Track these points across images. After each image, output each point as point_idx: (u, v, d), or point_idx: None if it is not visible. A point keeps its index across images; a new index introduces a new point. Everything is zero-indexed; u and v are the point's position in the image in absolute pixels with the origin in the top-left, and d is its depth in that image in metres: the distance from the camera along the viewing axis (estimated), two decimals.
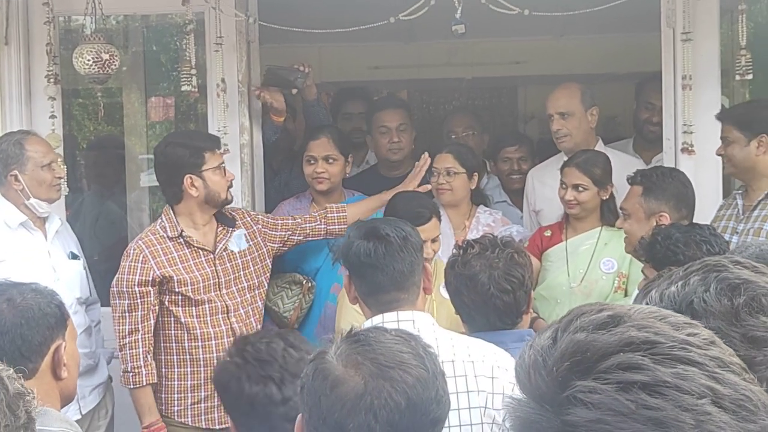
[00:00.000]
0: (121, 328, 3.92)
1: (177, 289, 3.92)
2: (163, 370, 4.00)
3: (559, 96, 4.62)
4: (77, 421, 3.56)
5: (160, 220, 4.07)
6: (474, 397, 2.45)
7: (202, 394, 3.99)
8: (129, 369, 3.90)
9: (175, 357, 4.00)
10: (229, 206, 4.17)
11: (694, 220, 3.81)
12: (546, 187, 4.70)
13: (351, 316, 3.82)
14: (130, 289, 3.89)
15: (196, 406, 4.01)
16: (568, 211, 4.30)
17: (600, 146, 4.62)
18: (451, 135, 5.48)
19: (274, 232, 4.21)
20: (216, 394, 3.81)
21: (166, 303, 3.95)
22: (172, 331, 3.99)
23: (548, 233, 4.41)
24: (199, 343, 3.96)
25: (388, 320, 2.49)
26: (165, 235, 3.99)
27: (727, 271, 1.54)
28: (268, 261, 4.19)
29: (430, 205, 3.99)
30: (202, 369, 3.97)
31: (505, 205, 5.09)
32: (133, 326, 3.90)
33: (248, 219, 4.20)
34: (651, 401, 0.97)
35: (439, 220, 4.02)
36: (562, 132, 4.54)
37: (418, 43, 6.22)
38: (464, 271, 2.87)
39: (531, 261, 3.15)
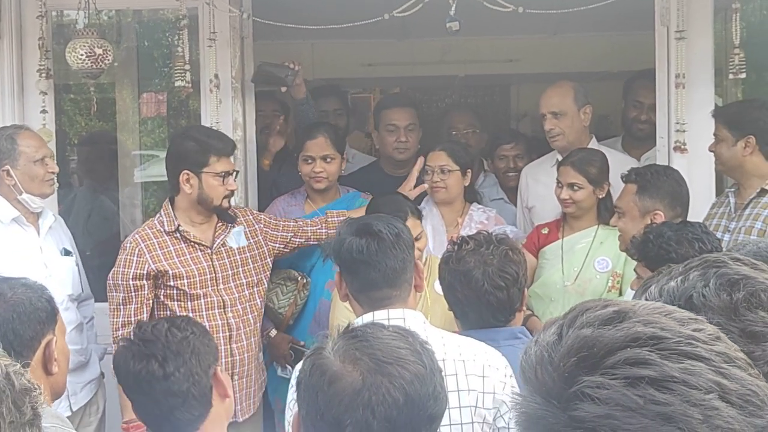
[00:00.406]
0: (115, 320, 3.94)
1: (172, 283, 3.92)
2: None
3: (552, 95, 4.61)
4: (68, 418, 3.56)
5: (158, 215, 4.08)
6: (464, 396, 2.45)
7: None
8: None
9: None
10: (235, 207, 4.20)
11: (690, 219, 3.82)
12: (539, 184, 4.71)
13: (343, 313, 3.82)
14: (124, 282, 3.90)
15: None
16: (564, 209, 4.30)
17: (594, 144, 4.62)
18: (452, 132, 5.48)
19: (275, 232, 4.20)
20: None
21: (162, 297, 3.96)
22: None
23: (545, 231, 4.41)
24: None
25: (379, 318, 2.48)
26: (162, 230, 3.99)
27: (726, 267, 1.55)
28: (268, 260, 4.18)
29: (407, 206, 3.97)
30: None
31: (502, 203, 5.09)
32: (126, 319, 3.91)
33: (250, 217, 4.20)
34: (659, 396, 0.97)
35: (419, 220, 4.01)
36: (555, 131, 4.55)
37: (411, 40, 6.21)
38: (458, 267, 2.88)
39: (525, 258, 3.15)
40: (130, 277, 3.90)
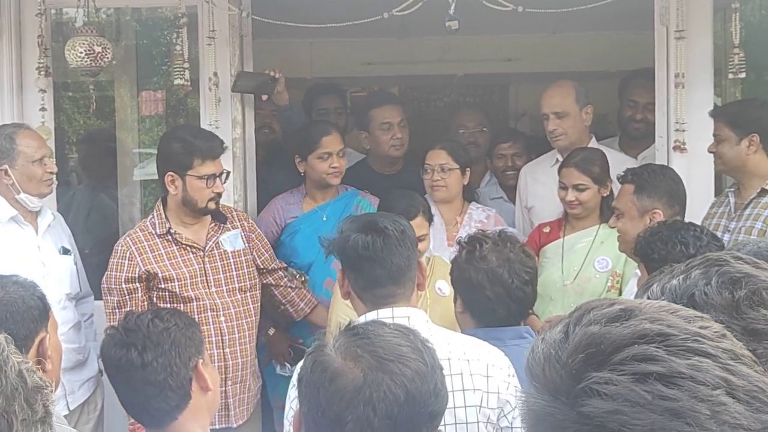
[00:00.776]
0: (111, 323, 3.91)
1: (163, 286, 3.92)
2: None
3: (554, 95, 4.61)
4: (65, 417, 3.56)
5: (150, 216, 4.08)
6: (469, 396, 2.45)
7: None
8: None
9: None
10: (234, 210, 4.19)
11: (686, 218, 3.82)
12: (538, 183, 4.71)
13: (343, 311, 3.82)
14: (117, 286, 3.92)
15: None
16: (570, 211, 4.30)
17: (594, 144, 4.63)
18: (459, 130, 5.47)
19: (259, 255, 4.19)
20: None
21: (155, 299, 3.96)
22: None
23: (547, 230, 4.41)
24: None
25: (383, 316, 2.46)
26: (153, 232, 3.98)
27: (728, 266, 1.55)
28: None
29: (420, 204, 3.97)
30: None
31: (502, 202, 5.10)
32: None
33: (246, 225, 4.18)
34: (667, 392, 0.97)
35: (429, 221, 4.00)
36: (558, 131, 4.54)
37: (410, 39, 6.21)
38: (484, 266, 2.89)
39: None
40: (123, 280, 3.91)
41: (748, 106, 4.17)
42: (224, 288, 4.00)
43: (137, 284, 3.91)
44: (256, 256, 4.16)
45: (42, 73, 4.43)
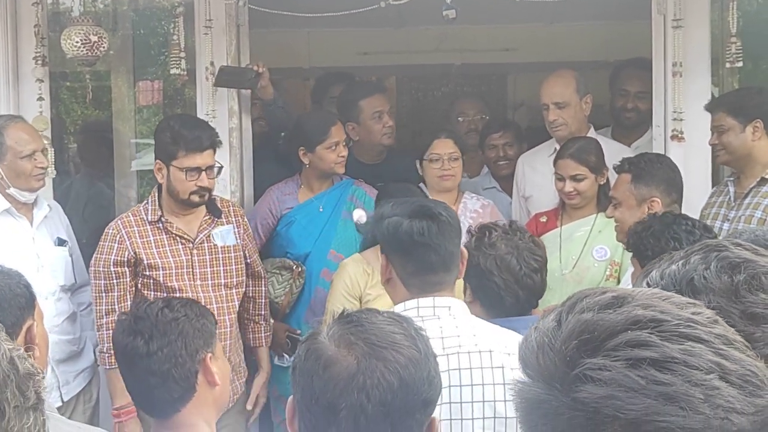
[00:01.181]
0: (98, 308, 3.96)
1: (147, 273, 3.92)
2: None
3: (554, 85, 4.60)
4: (58, 408, 3.56)
5: (145, 202, 4.08)
6: (510, 390, 2.43)
7: None
8: (104, 350, 3.93)
9: None
10: (232, 205, 4.17)
11: (684, 208, 3.83)
12: (536, 173, 4.71)
13: (340, 301, 3.83)
14: (106, 269, 3.91)
15: None
16: (568, 202, 4.30)
17: (592, 133, 4.63)
18: (459, 118, 5.47)
19: (249, 254, 4.17)
20: None
21: (139, 286, 3.96)
22: None
23: (544, 219, 4.42)
24: None
25: (424, 305, 2.46)
26: (145, 218, 3.98)
27: (727, 251, 1.57)
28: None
29: (417, 195, 3.98)
30: None
31: (495, 191, 5.10)
32: (109, 306, 3.93)
33: (242, 221, 4.16)
34: (661, 377, 0.99)
35: None
36: (558, 122, 4.54)
37: (407, 28, 6.20)
38: (492, 252, 2.88)
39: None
40: (111, 263, 3.91)
41: (747, 94, 4.19)
42: (209, 282, 3.98)
43: (125, 268, 3.91)
44: (246, 254, 4.14)
45: (38, 62, 4.43)
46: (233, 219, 4.12)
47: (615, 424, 0.99)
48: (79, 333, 4.19)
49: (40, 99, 4.45)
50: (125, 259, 3.91)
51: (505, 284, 2.86)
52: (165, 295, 3.90)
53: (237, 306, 4.06)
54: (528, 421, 1.08)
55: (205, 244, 4.01)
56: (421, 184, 4.49)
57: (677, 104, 4.29)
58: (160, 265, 3.92)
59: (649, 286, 1.58)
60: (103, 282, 3.93)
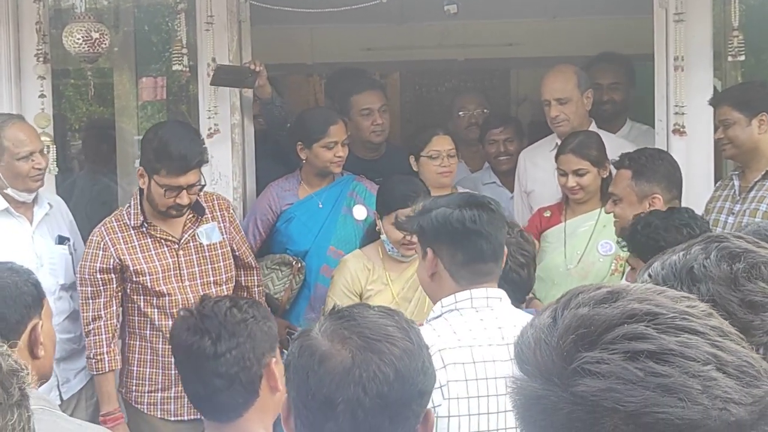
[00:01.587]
0: (85, 314, 3.95)
1: (135, 279, 3.91)
2: (127, 354, 4.03)
3: (555, 81, 4.59)
4: (59, 406, 3.56)
5: (127, 205, 4.05)
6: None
7: (160, 384, 4.00)
8: (92, 355, 3.95)
9: (137, 343, 4.02)
10: (216, 198, 4.14)
11: (686, 202, 3.83)
12: (538, 168, 4.71)
13: (340, 298, 3.83)
14: (91, 276, 3.91)
15: (152, 394, 4.02)
16: (572, 197, 4.30)
17: (593, 128, 4.63)
18: (459, 112, 5.47)
19: (237, 247, 4.15)
20: (174, 386, 3.87)
21: (128, 291, 3.96)
22: (135, 318, 4.00)
23: (548, 214, 4.41)
24: (159, 333, 3.96)
25: (477, 296, 2.46)
26: (128, 223, 3.95)
27: (728, 242, 1.58)
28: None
29: (420, 189, 3.98)
30: (160, 359, 3.97)
31: (494, 186, 5.11)
32: (96, 313, 3.92)
33: (227, 216, 4.12)
34: (658, 368, 1.00)
35: None
36: (560, 118, 4.53)
37: (410, 24, 6.19)
38: None
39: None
40: (97, 270, 3.90)
41: (751, 87, 4.21)
42: (198, 281, 3.97)
43: (112, 275, 3.90)
44: (234, 247, 4.12)
45: (40, 59, 4.43)
46: (218, 213, 4.08)
47: (614, 416, 0.99)
48: (80, 331, 4.18)
49: (42, 96, 4.45)
50: (110, 267, 3.89)
51: None
52: (154, 299, 3.91)
53: None
54: (526, 418, 1.08)
55: (191, 244, 3.99)
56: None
57: (679, 98, 4.28)
58: (147, 271, 3.90)
59: (650, 276, 1.60)
60: (89, 289, 3.92)
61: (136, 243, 3.93)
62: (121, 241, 3.92)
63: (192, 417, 3.97)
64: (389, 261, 3.99)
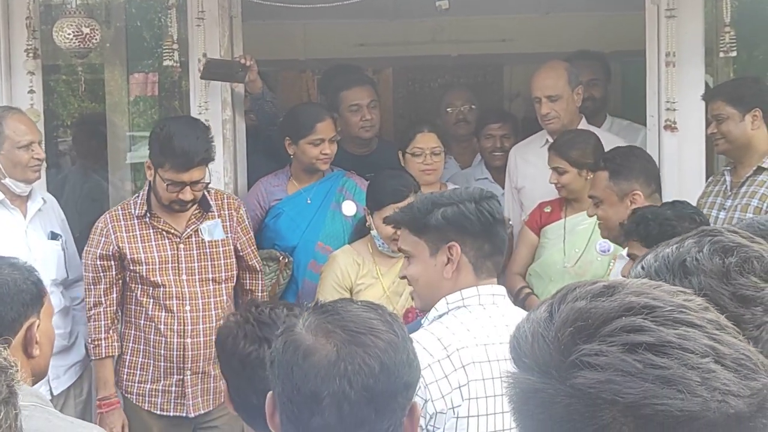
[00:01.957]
0: (88, 299, 4.02)
1: (132, 267, 3.95)
2: (123, 342, 4.07)
3: (546, 77, 4.57)
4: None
5: (135, 195, 4.10)
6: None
7: (150, 375, 4.01)
8: (91, 341, 4.02)
9: (132, 332, 4.05)
10: (227, 197, 4.14)
11: (679, 198, 3.82)
12: (528, 164, 4.70)
13: (330, 293, 3.82)
14: (92, 263, 3.97)
15: (141, 385, 4.04)
16: (559, 193, 4.31)
17: (584, 124, 4.62)
18: (447, 109, 5.46)
19: (242, 247, 4.12)
20: (163, 379, 3.91)
21: (127, 279, 4.00)
22: (132, 306, 4.04)
23: (548, 209, 4.41)
24: (151, 324, 3.98)
25: (483, 293, 2.47)
26: (133, 212, 3.99)
27: (721, 236, 1.59)
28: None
29: (411, 184, 3.97)
30: (151, 349, 3.99)
31: (487, 182, 5.09)
32: (97, 299, 3.99)
33: (235, 216, 4.10)
34: (657, 360, 1.00)
35: None
36: (551, 115, 4.52)
37: (403, 20, 6.19)
38: None
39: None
40: (97, 257, 3.96)
41: (744, 83, 4.20)
42: (196, 277, 3.98)
43: (111, 262, 3.96)
44: (239, 247, 4.11)
45: (30, 55, 4.41)
46: (225, 212, 4.09)
47: (613, 408, 0.99)
48: (71, 327, 4.18)
49: (32, 92, 4.44)
50: (110, 254, 3.95)
51: None
52: (149, 290, 3.93)
53: (226, 301, 4.04)
54: (523, 412, 1.08)
55: (193, 239, 4.00)
56: None
57: (670, 94, 4.28)
58: (143, 260, 3.94)
59: (643, 268, 1.60)
60: (91, 275, 3.99)
61: (138, 232, 3.97)
62: (123, 229, 3.97)
63: (177, 413, 4.01)
64: (379, 256, 3.99)
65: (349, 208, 4.41)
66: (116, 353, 4.03)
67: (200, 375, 3.98)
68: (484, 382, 2.38)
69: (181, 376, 3.95)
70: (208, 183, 3.96)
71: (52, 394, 4.01)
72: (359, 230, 4.14)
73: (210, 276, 4.00)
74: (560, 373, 1.03)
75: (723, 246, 1.56)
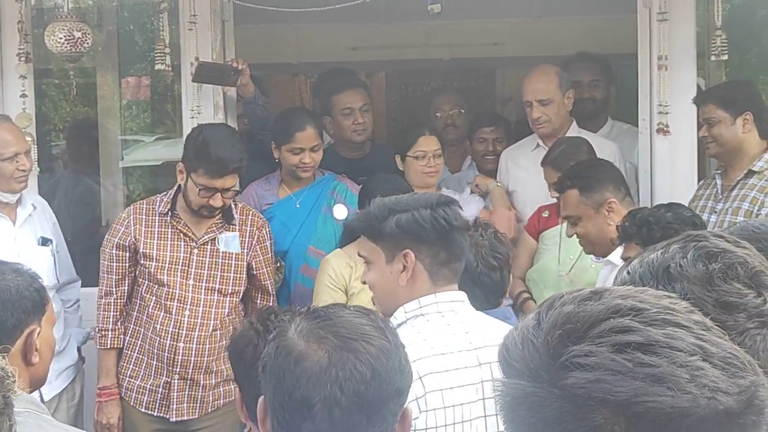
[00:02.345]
0: (100, 287, 4.04)
1: (142, 262, 3.97)
2: (125, 335, 4.07)
3: (537, 82, 4.57)
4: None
5: (165, 192, 4.11)
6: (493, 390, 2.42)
7: (140, 371, 4.02)
8: (99, 329, 4.04)
9: (132, 326, 4.05)
10: (252, 215, 4.14)
11: (672, 201, 3.81)
12: (520, 168, 4.69)
13: (327, 293, 3.83)
14: (108, 250, 4.00)
15: (131, 380, 4.04)
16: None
17: (574, 129, 4.62)
18: (436, 113, 5.46)
19: (257, 266, 4.11)
20: (152, 379, 3.90)
21: (137, 273, 4.02)
22: (137, 301, 4.04)
23: (546, 214, 4.38)
24: (150, 322, 3.98)
25: (441, 300, 2.45)
26: (156, 209, 4.02)
27: (706, 241, 1.59)
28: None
29: (404, 188, 3.97)
30: (146, 347, 4.00)
31: None
32: (108, 288, 4.02)
33: (255, 232, 4.10)
34: (647, 359, 1.01)
35: None
36: (542, 119, 4.51)
37: (395, 23, 6.19)
38: None
39: (509, 241, 3.15)
40: (113, 245, 3.99)
41: (736, 87, 4.22)
42: (203, 284, 3.97)
43: (125, 252, 3.98)
44: (253, 266, 4.09)
45: (22, 59, 4.40)
46: (247, 228, 4.08)
47: (604, 408, 1.00)
48: (63, 331, 4.15)
49: (24, 96, 4.42)
50: (126, 244, 3.98)
51: (461, 282, 2.74)
52: (155, 287, 3.96)
53: (227, 314, 4.02)
54: (514, 418, 1.08)
55: (209, 246, 4.00)
56: None
57: (663, 98, 4.29)
58: (154, 256, 3.95)
59: (629, 273, 1.61)
60: (105, 263, 4.01)
61: (156, 229, 3.99)
62: (143, 222, 4.00)
63: (160, 414, 4.00)
64: None
65: (340, 211, 4.40)
66: (121, 345, 4.04)
67: (188, 381, 3.96)
68: (441, 393, 2.35)
69: (168, 379, 3.94)
70: (239, 191, 4.03)
71: (42, 399, 3.98)
72: (349, 234, 4.12)
73: (217, 286, 3.99)
74: (551, 376, 1.04)
75: (707, 252, 1.56)
